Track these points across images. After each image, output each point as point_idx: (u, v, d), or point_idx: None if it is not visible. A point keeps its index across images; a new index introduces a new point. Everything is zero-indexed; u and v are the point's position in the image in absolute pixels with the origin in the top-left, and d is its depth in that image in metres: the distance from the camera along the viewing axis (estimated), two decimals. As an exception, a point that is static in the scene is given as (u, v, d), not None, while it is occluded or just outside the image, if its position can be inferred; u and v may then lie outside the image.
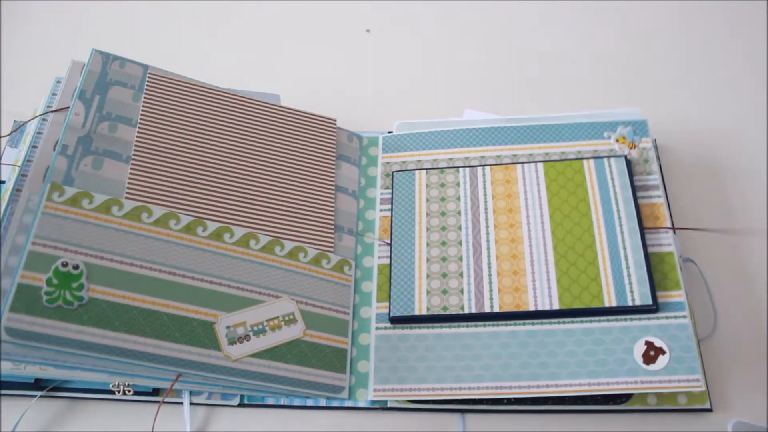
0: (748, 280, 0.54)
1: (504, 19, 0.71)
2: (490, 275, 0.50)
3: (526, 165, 0.54)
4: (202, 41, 0.70)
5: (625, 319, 0.48)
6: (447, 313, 0.49)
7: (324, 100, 0.61)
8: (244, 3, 0.73)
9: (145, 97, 0.49)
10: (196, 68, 0.55)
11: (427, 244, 0.52)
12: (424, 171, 0.55)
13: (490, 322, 0.49)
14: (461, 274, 0.50)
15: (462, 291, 0.49)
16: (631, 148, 0.54)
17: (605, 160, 0.53)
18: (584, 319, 0.48)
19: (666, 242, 0.51)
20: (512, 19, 0.71)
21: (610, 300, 0.48)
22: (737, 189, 0.59)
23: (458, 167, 0.55)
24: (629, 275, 0.48)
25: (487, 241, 0.51)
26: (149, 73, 0.50)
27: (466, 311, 0.48)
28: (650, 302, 0.47)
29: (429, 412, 0.49)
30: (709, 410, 0.48)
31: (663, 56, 0.68)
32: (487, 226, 0.52)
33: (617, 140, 0.55)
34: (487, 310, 0.48)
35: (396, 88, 0.66)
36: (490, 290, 0.49)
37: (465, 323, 0.49)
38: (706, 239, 0.55)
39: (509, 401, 0.48)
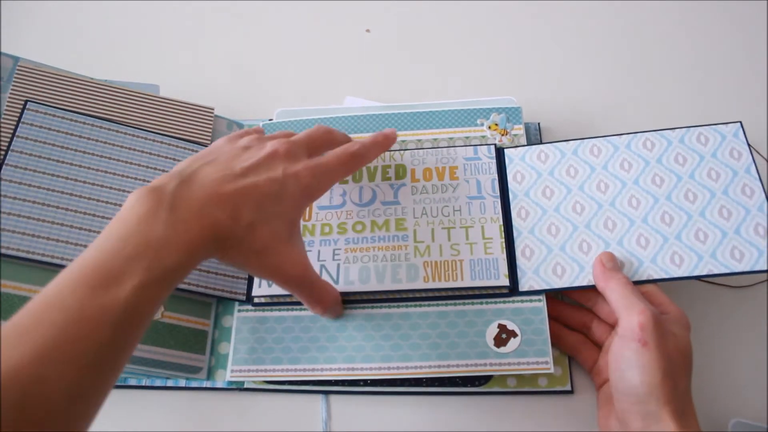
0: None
1: (383, 6, 0.71)
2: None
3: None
4: (86, 35, 0.69)
5: (481, 303, 0.49)
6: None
7: (207, 91, 0.62)
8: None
9: (12, 88, 0.50)
10: (85, 62, 0.57)
11: None
12: None
13: (348, 305, 0.49)
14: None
15: None
16: (502, 135, 0.54)
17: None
18: (440, 302, 0.49)
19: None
20: (392, 6, 0.71)
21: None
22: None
23: None
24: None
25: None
26: (18, 65, 0.51)
27: None
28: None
29: (292, 393, 0.50)
30: (570, 392, 0.48)
31: (546, 43, 0.68)
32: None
33: (489, 127, 0.55)
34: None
35: (278, 77, 0.66)
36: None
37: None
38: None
39: (366, 383, 0.48)
